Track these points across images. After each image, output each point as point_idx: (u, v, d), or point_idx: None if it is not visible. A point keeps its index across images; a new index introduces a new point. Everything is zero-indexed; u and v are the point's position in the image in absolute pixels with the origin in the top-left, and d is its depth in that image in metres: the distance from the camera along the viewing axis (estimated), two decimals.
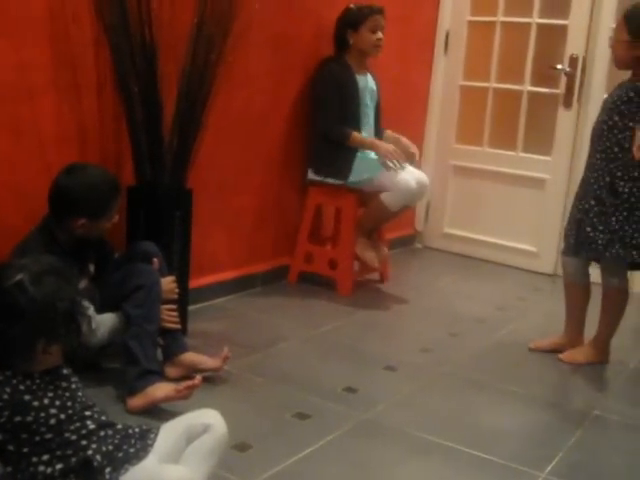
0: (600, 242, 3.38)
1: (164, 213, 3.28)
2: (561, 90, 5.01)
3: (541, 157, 5.16)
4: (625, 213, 3.33)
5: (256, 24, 3.68)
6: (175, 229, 3.32)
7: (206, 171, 3.62)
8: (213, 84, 3.30)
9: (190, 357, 2.98)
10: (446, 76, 5.50)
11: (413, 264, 5.33)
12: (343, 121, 4.21)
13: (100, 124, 3.25)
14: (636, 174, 3.30)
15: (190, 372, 2.91)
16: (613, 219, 3.34)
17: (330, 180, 4.27)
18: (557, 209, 5.05)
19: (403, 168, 4.18)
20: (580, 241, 3.45)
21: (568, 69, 4.95)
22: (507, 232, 5.28)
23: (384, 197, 4.17)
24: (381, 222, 4.43)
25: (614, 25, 3.85)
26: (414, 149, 4.40)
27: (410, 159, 4.31)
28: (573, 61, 4.93)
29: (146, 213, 3.27)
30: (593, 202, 3.40)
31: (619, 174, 3.33)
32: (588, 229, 3.41)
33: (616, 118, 3.33)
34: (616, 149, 3.34)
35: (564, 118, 5.02)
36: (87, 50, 3.13)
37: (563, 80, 4.99)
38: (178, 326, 3.00)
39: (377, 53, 4.31)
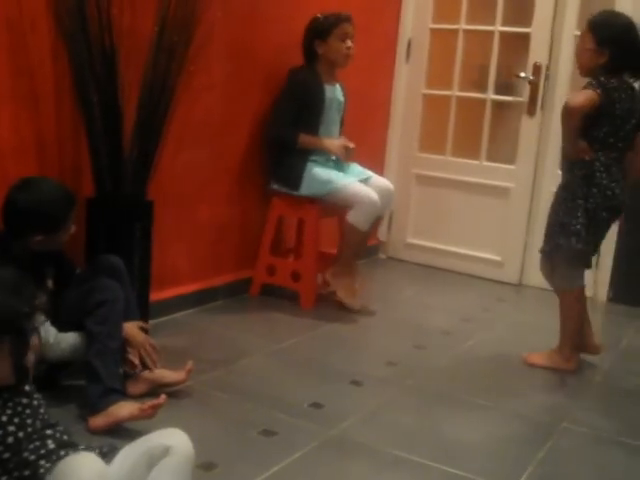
0: (551, 234, 3.63)
1: (124, 225, 3.29)
2: (525, 98, 5.09)
3: (505, 166, 5.24)
4: (569, 204, 3.51)
5: (218, 33, 3.70)
6: (135, 241, 3.32)
7: (167, 182, 3.62)
8: (174, 93, 3.31)
9: (153, 373, 2.97)
10: (408, 84, 5.56)
11: (377, 275, 5.36)
12: (297, 128, 4.23)
13: (58, 134, 3.24)
14: (581, 166, 3.49)
15: (153, 388, 2.92)
16: (560, 210, 3.55)
17: (284, 189, 4.29)
18: (522, 218, 5.14)
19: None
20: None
21: (532, 77, 5.04)
22: (471, 241, 5.36)
23: (351, 219, 4.17)
24: (358, 246, 4.38)
25: (578, 32, 3.97)
26: (351, 144, 4.37)
27: (350, 155, 4.36)
28: (536, 69, 5.03)
29: (106, 225, 3.26)
30: (553, 199, 3.67)
31: (575, 171, 3.52)
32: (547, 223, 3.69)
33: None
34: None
35: (528, 126, 5.11)
36: (45, 58, 3.12)
37: (527, 88, 5.08)
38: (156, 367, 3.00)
39: (347, 62, 4.34)
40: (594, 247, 3.62)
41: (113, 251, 3.07)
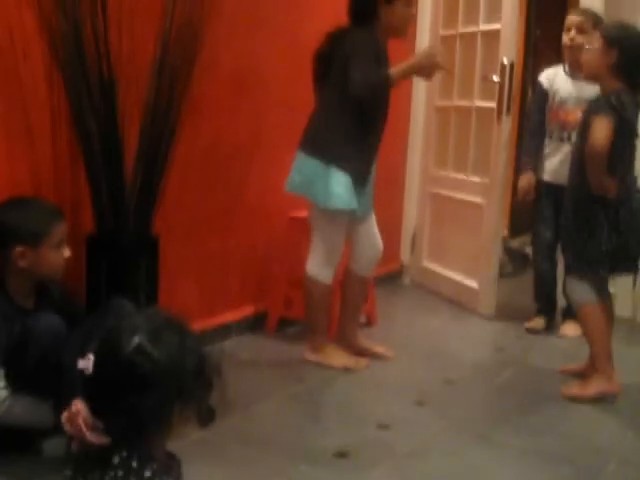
0: None
1: (128, 263, 3.20)
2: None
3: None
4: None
5: (223, 52, 3.62)
6: (141, 280, 3.24)
7: (173, 214, 3.55)
8: (178, 120, 3.25)
9: None
10: (426, 96, 5.44)
11: (401, 303, 5.26)
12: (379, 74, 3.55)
13: (55, 167, 3.17)
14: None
15: None
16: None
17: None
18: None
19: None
20: None
21: (498, 79, 4.61)
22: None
23: (311, 269, 3.80)
24: (323, 303, 3.91)
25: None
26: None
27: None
28: (502, 69, 4.60)
29: (108, 264, 3.17)
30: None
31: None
32: None
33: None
34: None
35: (497, 134, 4.72)
36: (39, 88, 3.05)
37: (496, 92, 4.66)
38: None
39: (407, 33, 3.85)
40: None
41: (116, 291, 2.98)
